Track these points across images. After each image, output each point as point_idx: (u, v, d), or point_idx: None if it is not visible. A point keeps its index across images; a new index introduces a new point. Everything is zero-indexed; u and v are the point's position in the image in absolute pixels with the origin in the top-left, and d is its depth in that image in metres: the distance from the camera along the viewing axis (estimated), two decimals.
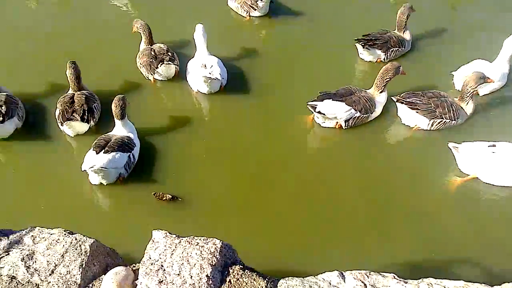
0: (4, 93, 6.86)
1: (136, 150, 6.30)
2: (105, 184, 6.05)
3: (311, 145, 6.86)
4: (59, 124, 6.68)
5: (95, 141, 6.09)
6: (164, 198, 5.86)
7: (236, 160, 6.49)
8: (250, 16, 9.05)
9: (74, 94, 6.86)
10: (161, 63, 7.43)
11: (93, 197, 6.08)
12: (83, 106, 6.63)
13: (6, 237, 3.39)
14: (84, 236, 3.37)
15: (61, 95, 6.95)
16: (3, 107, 6.58)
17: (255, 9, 8.91)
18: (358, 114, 6.75)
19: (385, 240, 5.50)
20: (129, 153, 6.09)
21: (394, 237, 5.53)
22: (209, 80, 7.09)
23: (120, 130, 6.36)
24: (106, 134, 6.31)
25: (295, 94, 7.45)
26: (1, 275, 3.16)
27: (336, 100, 6.65)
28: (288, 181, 6.19)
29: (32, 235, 3.44)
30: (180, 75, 7.72)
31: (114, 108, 6.25)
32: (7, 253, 3.28)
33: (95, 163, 5.77)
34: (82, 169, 5.77)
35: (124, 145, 6.06)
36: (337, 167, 6.41)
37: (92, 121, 6.68)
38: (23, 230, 3.46)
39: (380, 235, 5.55)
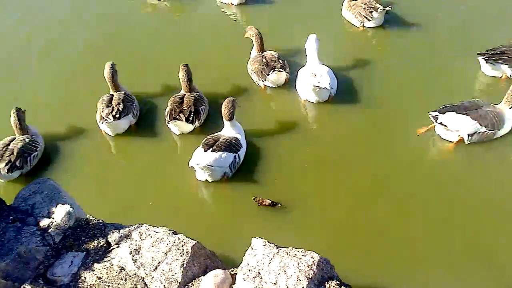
0: (123, 92, 7.31)
1: (242, 152, 6.43)
2: (210, 181, 6.23)
3: (425, 159, 6.52)
4: (166, 122, 6.96)
5: (204, 140, 6.31)
6: (264, 203, 5.90)
7: (340, 172, 6.36)
8: (364, 26, 8.88)
9: (184, 95, 7.12)
10: (272, 70, 7.50)
11: (197, 194, 6.26)
12: (190, 107, 6.88)
13: (117, 231, 3.61)
14: (186, 237, 3.48)
15: (173, 95, 7.22)
16: (120, 105, 6.99)
17: (369, 20, 8.76)
18: (483, 129, 6.37)
19: (498, 273, 5.09)
20: (235, 154, 6.24)
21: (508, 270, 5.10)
22: (318, 89, 7.06)
23: (228, 130, 6.53)
24: (215, 134, 6.48)
25: (409, 107, 7.19)
26: (113, 265, 3.37)
27: (460, 113, 6.38)
28: (395, 196, 5.96)
29: (140, 232, 3.61)
30: (290, 83, 7.72)
31: (224, 109, 6.44)
32: (117, 246, 3.49)
33: (202, 160, 5.99)
34: (190, 165, 5.98)
35: (231, 146, 6.23)
36: (452, 186, 6.06)
37: (197, 122, 6.91)
38: (132, 226, 3.66)
39: (492, 268, 5.14)
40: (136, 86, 7.83)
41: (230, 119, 6.50)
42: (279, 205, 5.91)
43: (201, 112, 7.03)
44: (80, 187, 6.24)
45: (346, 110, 7.25)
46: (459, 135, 6.42)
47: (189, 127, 6.92)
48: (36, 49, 9.23)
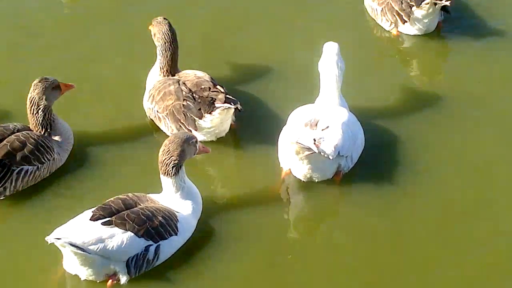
0: None
1: (173, 243, 4.34)
2: (82, 278, 4.36)
3: None
4: None
5: (109, 200, 4.45)
6: None
7: None
8: (398, 31, 6.42)
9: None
10: (211, 107, 4.86)
11: None
12: None
13: None
14: None
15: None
16: None
17: (405, 21, 6.19)
18: None
19: None
20: (152, 243, 4.24)
21: None
22: (306, 154, 4.49)
23: (168, 194, 4.42)
24: (139, 194, 4.50)
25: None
26: None
27: None
28: None
29: None
30: (239, 133, 5.18)
31: (162, 154, 4.46)
32: None
33: (66, 233, 4.11)
34: (47, 239, 4.26)
35: (149, 224, 4.26)
36: None
37: None
38: None
39: None
40: None
41: (171, 173, 4.39)
42: None
43: (17, 174, 4.68)
44: None
45: (364, 205, 4.64)
46: None
47: None
48: None
